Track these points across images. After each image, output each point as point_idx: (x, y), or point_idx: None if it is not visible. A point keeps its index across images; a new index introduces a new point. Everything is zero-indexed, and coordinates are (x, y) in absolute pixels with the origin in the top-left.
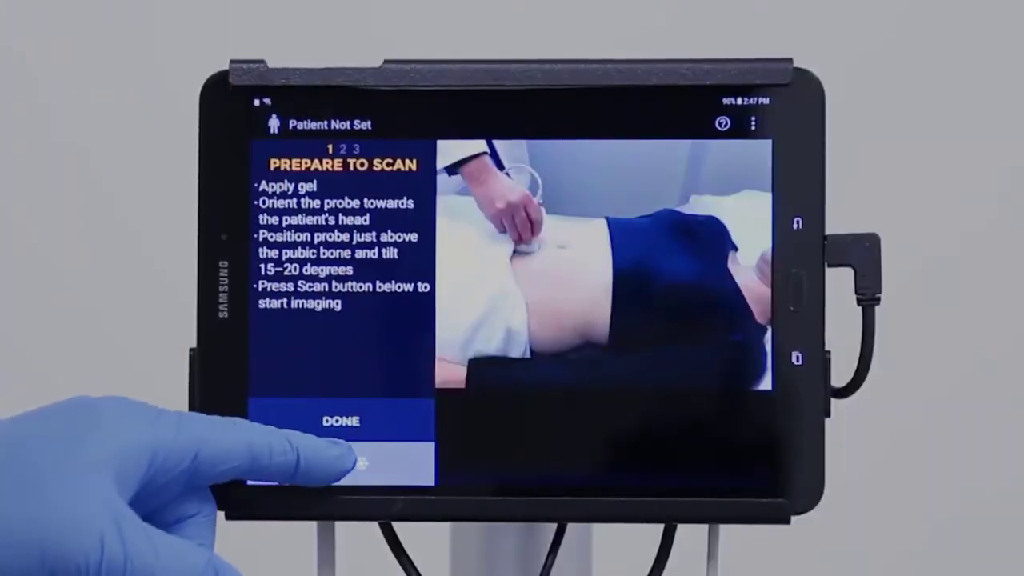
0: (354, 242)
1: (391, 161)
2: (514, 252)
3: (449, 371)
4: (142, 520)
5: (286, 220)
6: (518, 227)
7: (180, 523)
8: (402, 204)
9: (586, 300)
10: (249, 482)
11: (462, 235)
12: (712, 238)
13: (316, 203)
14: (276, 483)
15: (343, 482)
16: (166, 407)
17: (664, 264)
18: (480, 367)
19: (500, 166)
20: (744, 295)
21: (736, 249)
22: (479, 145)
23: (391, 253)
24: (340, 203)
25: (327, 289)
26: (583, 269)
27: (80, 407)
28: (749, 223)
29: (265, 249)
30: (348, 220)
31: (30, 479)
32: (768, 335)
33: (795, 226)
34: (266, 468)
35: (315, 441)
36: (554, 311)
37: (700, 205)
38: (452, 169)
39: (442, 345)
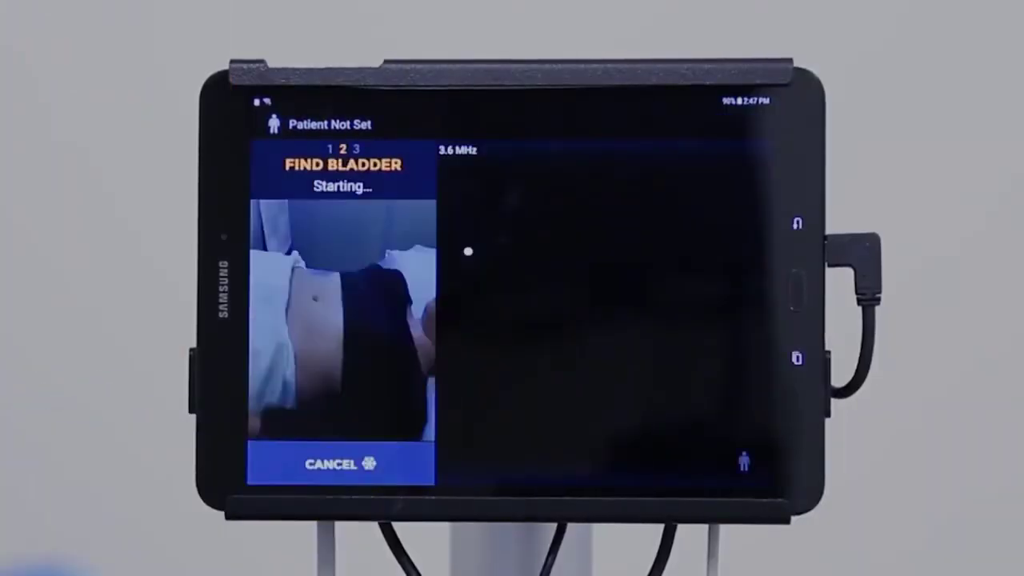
0: None
1: (391, 161)
2: (287, 306)
3: None
4: None
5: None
6: None
7: None
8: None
9: (329, 349)
10: (249, 481)
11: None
12: (397, 291)
13: (316, 203)
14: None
15: (343, 482)
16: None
17: (368, 315)
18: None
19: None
20: (415, 345)
21: (411, 303)
22: None
23: None
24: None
25: None
26: (327, 320)
27: None
28: (421, 277)
29: None
30: None
31: None
32: (432, 384)
33: (795, 226)
34: None
35: None
36: (315, 359)
37: (391, 259)
38: None
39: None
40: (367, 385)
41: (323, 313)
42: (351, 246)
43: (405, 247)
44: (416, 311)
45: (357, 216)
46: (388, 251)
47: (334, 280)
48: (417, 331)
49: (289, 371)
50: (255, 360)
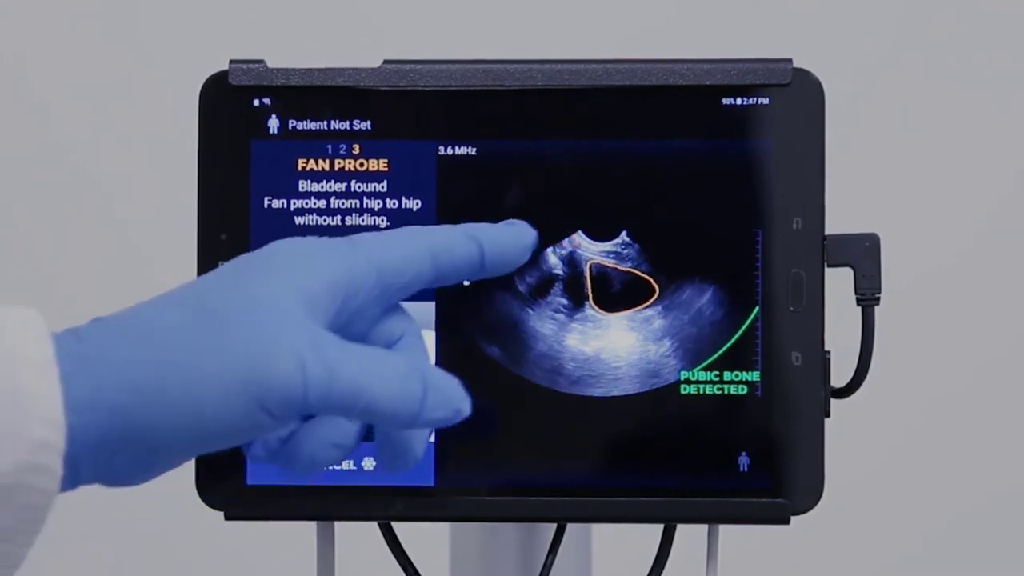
0: None
1: (391, 161)
2: None
3: None
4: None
5: (286, 220)
6: None
7: (389, 348)
8: (403, 204)
9: None
10: (249, 482)
11: None
12: None
13: (316, 203)
14: (463, 280)
15: (343, 482)
16: None
17: None
18: None
19: None
20: None
21: None
22: None
23: None
24: (340, 203)
25: None
26: None
27: (254, 256)
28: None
29: None
30: (348, 220)
31: (217, 324)
32: None
33: (795, 226)
34: (451, 265)
35: (492, 227)
36: None
37: None
38: None
39: None
40: None
41: None
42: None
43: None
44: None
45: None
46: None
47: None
48: None
49: None
50: None
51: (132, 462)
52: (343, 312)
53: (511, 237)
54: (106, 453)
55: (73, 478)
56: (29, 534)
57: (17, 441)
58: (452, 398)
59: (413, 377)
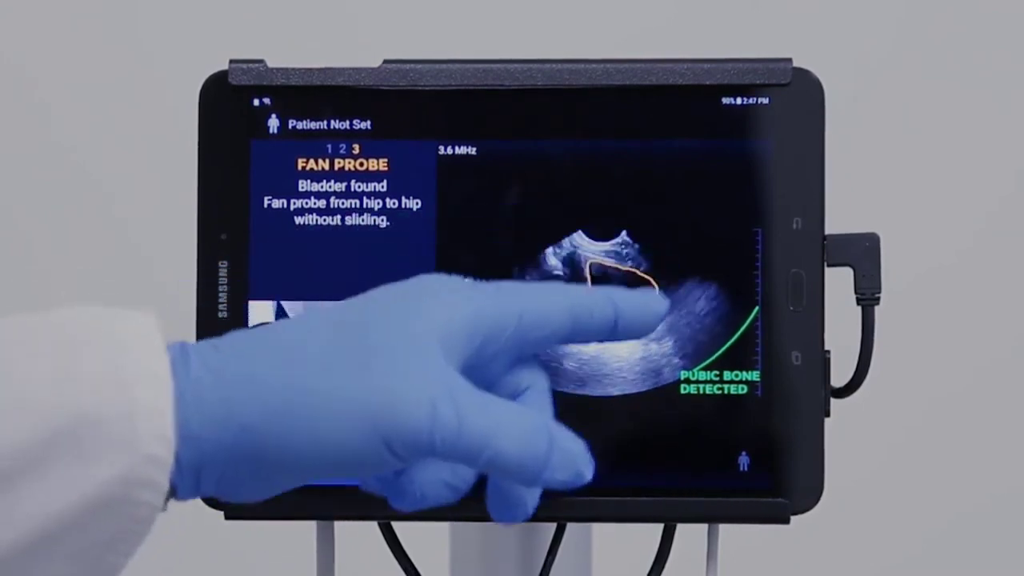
0: None
1: (391, 161)
2: None
3: None
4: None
5: (286, 220)
6: None
7: (514, 399)
8: (403, 204)
9: None
10: None
11: None
12: None
13: (316, 203)
14: (590, 342)
15: (343, 482)
16: None
17: None
18: None
19: None
20: None
21: None
22: None
23: None
24: (340, 203)
25: None
26: None
27: (400, 288)
28: None
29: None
30: (349, 220)
31: (356, 354)
32: None
33: (795, 226)
34: (587, 326)
35: (629, 293)
36: None
37: None
38: None
39: None
40: None
41: None
42: None
43: None
44: None
45: None
46: None
47: None
48: None
49: None
50: None
51: (253, 480)
52: (479, 355)
53: (644, 305)
54: (231, 469)
55: (192, 489)
56: (131, 544)
57: (128, 454)
58: (576, 460)
59: (540, 435)
